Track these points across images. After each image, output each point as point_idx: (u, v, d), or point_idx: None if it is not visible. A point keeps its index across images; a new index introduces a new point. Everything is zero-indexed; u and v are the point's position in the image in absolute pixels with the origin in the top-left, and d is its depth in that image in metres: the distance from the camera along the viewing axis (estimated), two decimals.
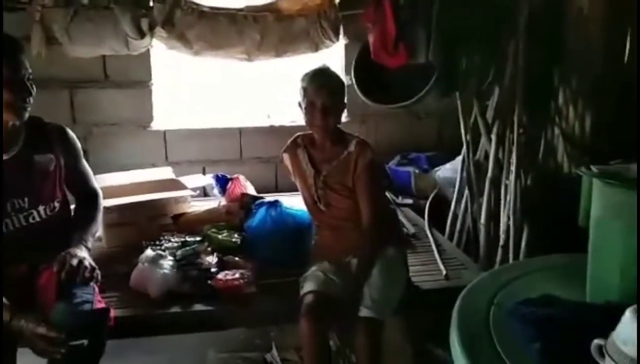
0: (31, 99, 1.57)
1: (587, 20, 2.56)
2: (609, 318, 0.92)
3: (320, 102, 1.78)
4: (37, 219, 1.67)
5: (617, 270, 1.09)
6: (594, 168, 1.10)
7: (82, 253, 1.61)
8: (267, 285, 1.95)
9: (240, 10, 2.99)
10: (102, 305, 1.59)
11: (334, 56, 3.20)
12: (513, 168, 2.54)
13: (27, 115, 1.60)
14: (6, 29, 1.62)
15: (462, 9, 3.02)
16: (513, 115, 2.62)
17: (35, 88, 1.59)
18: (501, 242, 2.44)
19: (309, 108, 1.81)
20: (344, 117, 1.94)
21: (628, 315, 0.88)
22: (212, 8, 2.95)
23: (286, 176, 2.08)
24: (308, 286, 1.76)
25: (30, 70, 1.57)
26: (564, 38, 2.67)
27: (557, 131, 2.71)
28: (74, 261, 1.54)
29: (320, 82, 1.81)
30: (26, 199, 1.64)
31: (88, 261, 1.59)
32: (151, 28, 2.83)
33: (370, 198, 1.84)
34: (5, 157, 1.61)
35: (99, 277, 1.61)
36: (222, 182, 2.68)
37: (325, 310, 1.67)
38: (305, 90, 1.82)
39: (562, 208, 2.58)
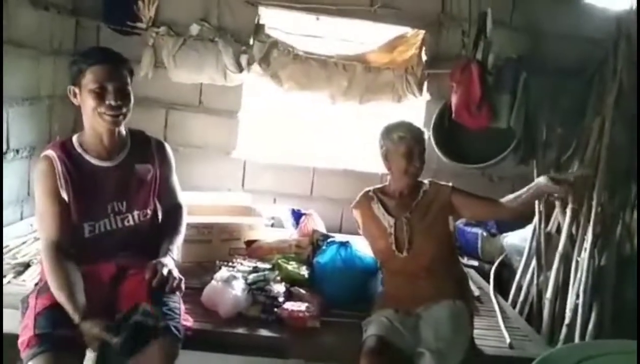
0: (124, 109, 1.70)
1: None
2: None
3: (417, 149, 1.93)
4: (131, 223, 1.80)
5: None
6: None
7: (170, 263, 1.72)
8: (330, 322, 1.99)
9: (331, 57, 3.16)
10: (184, 319, 1.70)
11: (415, 111, 3.29)
12: (587, 245, 2.49)
13: (120, 123, 1.73)
14: (122, 50, 1.80)
15: (549, 80, 3.08)
16: (592, 190, 2.59)
17: (130, 102, 1.72)
18: (567, 320, 2.36)
19: (406, 155, 1.91)
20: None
21: None
22: (305, 52, 3.14)
23: (352, 222, 2.16)
24: (372, 330, 1.79)
25: (128, 84, 1.71)
26: None
27: (635, 214, 2.64)
28: (165, 271, 1.65)
29: (415, 131, 1.97)
30: (124, 203, 1.78)
31: (176, 272, 1.70)
32: (249, 63, 3.04)
33: (478, 195, 2.00)
34: (111, 164, 1.77)
35: (183, 288, 1.71)
36: (297, 216, 2.78)
37: (386, 355, 1.70)
38: (401, 138, 1.92)
39: (633, 294, 2.50)
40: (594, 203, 2.55)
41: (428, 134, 3.14)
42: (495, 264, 2.85)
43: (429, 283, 1.84)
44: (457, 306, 1.82)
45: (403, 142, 1.92)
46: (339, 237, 2.41)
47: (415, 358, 1.73)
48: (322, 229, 2.62)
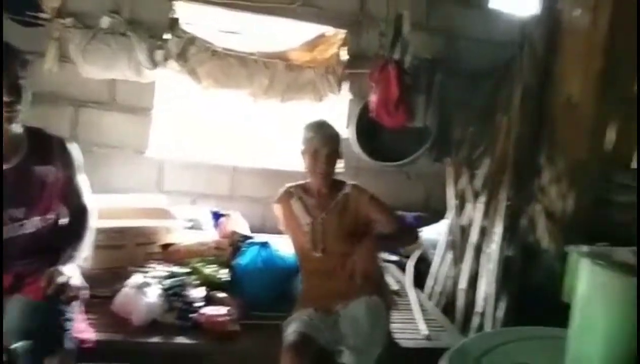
0: (17, 106, 1.56)
1: (575, 107, 2.74)
2: None
3: (325, 150, 1.90)
4: (31, 230, 1.67)
5: (599, 350, 1.15)
6: (583, 248, 1.18)
7: (71, 271, 1.61)
8: (252, 325, 1.96)
9: (252, 54, 3.11)
10: (82, 330, 1.59)
11: (337, 109, 3.32)
12: (496, 237, 2.64)
13: (12, 120, 1.58)
14: (23, 43, 1.64)
15: (462, 81, 3.23)
16: (501, 186, 2.75)
17: (23, 97, 1.57)
18: (479, 309, 2.49)
19: (314, 155, 1.91)
20: (339, 168, 2.05)
21: None
22: (225, 49, 3.06)
23: (275, 221, 2.14)
24: (293, 327, 1.78)
25: (21, 78, 1.56)
26: (553, 120, 2.84)
27: (539, 207, 2.83)
28: (61, 279, 1.54)
29: (326, 132, 1.94)
30: (22, 209, 1.64)
31: (76, 280, 1.59)
32: (164, 59, 2.92)
33: (390, 212, 2.02)
34: (6, 167, 1.62)
35: (86, 297, 1.61)
36: (216, 217, 2.71)
37: (307, 351, 1.70)
38: (311, 139, 1.92)
39: (539, 282, 2.68)
40: (502, 197, 2.70)
41: (352, 133, 3.24)
42: (412, 258, 2.94)
43: (345, 282, 1.86)
44: (374, 302, 1.85)
45: (311, 142, 1.92)
46: (260, 237, 2.38)
47: (335, 356, 1.74)
48: (244, 230, 2.58)
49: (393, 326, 1.99)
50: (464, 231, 2.84)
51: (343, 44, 3.24)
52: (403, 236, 2.07)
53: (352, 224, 1.94)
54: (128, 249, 2.36)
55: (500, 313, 2.50)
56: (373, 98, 2.99)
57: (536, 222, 2.83)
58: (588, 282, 1.17)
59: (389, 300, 2.04)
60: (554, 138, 2.83)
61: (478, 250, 2.70)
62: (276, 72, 3.08)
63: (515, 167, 2.77)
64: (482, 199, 2.79)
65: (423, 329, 2.11)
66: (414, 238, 2.11)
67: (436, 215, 3.13)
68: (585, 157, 2.76)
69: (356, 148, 3.18)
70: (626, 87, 3.10)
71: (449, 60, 3.27)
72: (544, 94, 2.89)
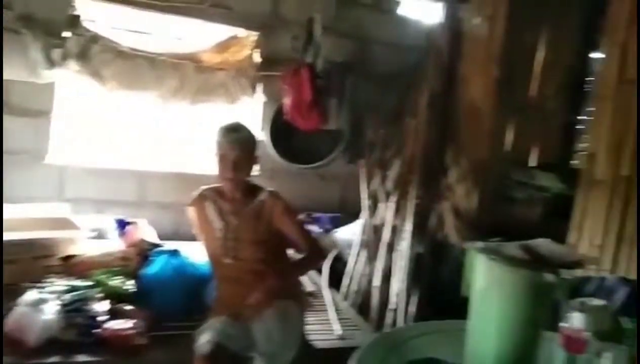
0: None
1: (476, 111, 2.91)
2: None
3: (231, 155, 1.83)
4: None
5: (494, 339, 1.22)
6: (478, 244, 1.25)
7: None
8: (161, 336, 1.88)
9: (161, 55, 2.99)
10: None
11: (252, 112, 3.28)
12: (407, 235, 2.74)
13: None
14: None
15: (374, 84, 3.33)
16: (410, 186, 2.86)
17: None
18: (392, 305, 2.57)
19: (221, 160, 1.86)
20: (255, 171, 2.00)
21: None
22: (132, 49, 2.92)
23: (190, 225, 2.07)
24: (205, 337, 1.73)
25: None
26: (457, 123, 3.00)
27: (447, 205, 2.98)
28: None
29: (233, 136, 1.86)
30: None
31: None
32: (63, 59, 2.73)
33: (301, 229, 1.97)
34: None
35: None
36: (122, 226, 2.57)
37: (220, 360, 1.66)
38: (219, 143, 1.87)
39: (448, 276, 2.82)
40: (411, 197, 2.81)
41: (266, 135, 3.22)
42: (328, 259, 2.97)
43: (257, 288, 1.83)
44: (287, 306, 1.84)
45: (219, 145, 1.86)
46: (170, 245, 2.29)
47: (249, 362, 1.72)
48: (152, 238, 2.47)
49: (307, 328, 2.00)
50: (377, 230, 2.92)
51: (256, 46, 3.21)
52: (312, 258, 2.00)
53: (265, 232, 1.89)
54: (23, 263, 2.17)
55: (413, 308, 2.59)
56: (287, 101, 3.00)
57: (444, 219, 2.98)
58: (483, 276, 1.23)
59: (303, 302, 2.04)
60: (458, 140, 2.99)
61: (390, 248, 2.79)
62: (186, 74, 2.99)
63: (424, 167, 2.90)
64: (394, 199, 2.89)
65: (337, 329, 2.14)
66: (322, 257, 2.09)
67: (351, 215, 3.19)
68: (487, 157, 2.95)
69: (271, 150, 3.17)
70: (521, 93, 3.36)
71: (360, 64, 3.35)
72: (449, 98, 3.04)
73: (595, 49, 3.24)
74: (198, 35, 3.20)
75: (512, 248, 1.21)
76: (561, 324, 1.22)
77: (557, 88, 3.48)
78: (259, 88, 3.21)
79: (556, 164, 3.31)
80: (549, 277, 1.16)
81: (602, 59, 2.36)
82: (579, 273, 2.01)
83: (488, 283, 1.22)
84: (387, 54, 3.47)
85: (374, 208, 3.00)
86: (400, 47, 3.46)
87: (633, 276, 2.11)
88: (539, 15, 3.26)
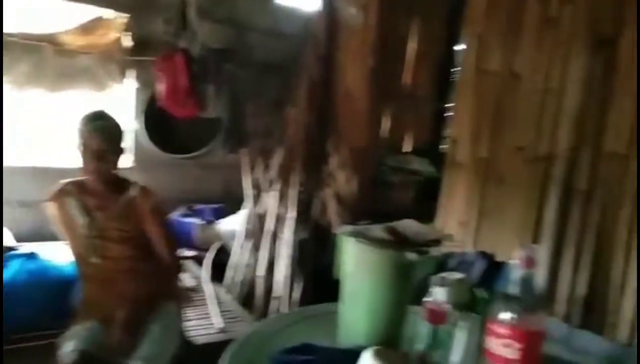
0: None
1: (353, 100, 3.00)
2: (357, 361, 1.05)
3: (94, 145, 1.69)
4: None
5: (365, 318, 1.26)
6: (346, 227, 1.27)
7: None
8: (16, 349, 1.69)
9: (12, 35, 2.67)
10: None
11: (123, 99, 3.06)
12: (290, 223, 2.76)
13: None
14: None
15: (254, 72, 3.28)
16: (293, 174, 2.87)
17: None
18: (276, 293, 2.58)
19: (83, 151, 1.70)
20: (129, 163, 1.86)
21: (365, 356, 1.02)
22: None
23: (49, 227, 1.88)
24: (70, 346, 1.58)
25: None
26: (336, 111, 3.07)
27: (329, 191, 3.05)
28: None
29: (95, 125, 1.72)
30: None
31: None
32: None
33: (166, 236, 1.83)
34: None
35: None
36: None
37: None
38: (80, 132, 1.71)
39: (330, 261, 2.89)
40: (294, 184, 2.83)
41: (140, 124, 3.03)
42: (211, 251, 2.90)
43: (128, 288, 1.72)
44: (163, 305, 1.75)
45: (80, 135, 1.71)
46: (27, 248, 2.06)
47: None
48: (5, 240, 2.21)
49: (187, 324, 1.92)
50: (261, 219, 2.90)
51: (125, 29, 2.99)
52: (169, 269, 1.87)
53: (133, 229, 1.77)
54: None
55: (297, 295, 2.62)
56: (161, 88, 2.84)
57: (327, 205, 3.04)
58: (352, 259, 1.26)
59: (180, 298, 1.96)
60: (338, 127, 3.06)
61: (275, 236, 2.79)
62: (43, 58, 2.70)
63: (305, 155, 2.93)
64: (277, 187, 2.88)
65: (218, 322, 2.09)
66: (177, 270, 1.95)
67: (235, 205, 3.14)
68: (365, 144, 3.05)
69: (146, 140, 2.99)
70: (395, 83, 3.52)
71: (239, 51, 3.28)
72: (327, 87, 3.09)
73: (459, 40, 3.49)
74: (58, 15, 2.90)
75: (378, 230, 1.25)
76: (425, 298, 1.29)
77: (428, 77, 3.71)
78: (130, 74, 3.01)
79: (428, 149, 3.53)
80: (412, 256, 1.21)
81: (463, 49, 2.54)
82: (445, 249, 2.17)
83: (356, 265, 1.25)
84: (267, 41, 3.43)
85: (257, 197, 2.97)
86: (280, 35, 3.44)
87: (492, 249, 2.32)
88: (410, 6, 3.44)
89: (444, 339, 1.24)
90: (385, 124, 3.53)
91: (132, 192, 1.80)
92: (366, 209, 3.02)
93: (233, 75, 3.05)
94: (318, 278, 2.80)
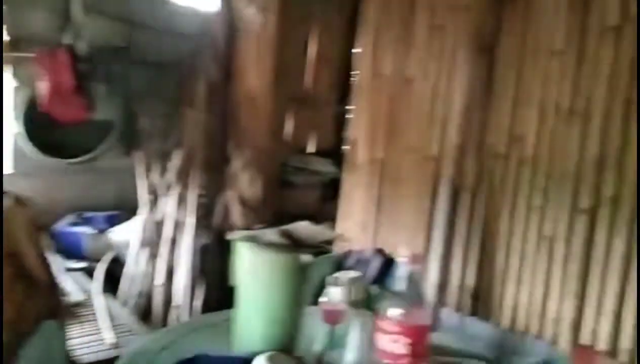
0: None
1: (254, 101, 2.97)
2: None
3: None
4: None
5: (260, 323, 1.24)
6: (239, 232, 1.25)
7: None
8: None
9: None
10: None
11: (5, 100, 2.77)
12: (190, 228, 2.66)
13: None
14: None
15: (149, 71, 3.12)
16: (192, 177, 2.78)
17: None
18: (176, 303, 2.47)
19: None
20: (7, 169, 1.68)
21: (258, 362, 1.00)
22: None
23: None
24: None
25: None
26: (237, 112, 3.02)
27: (232, 194, 2.99)
28: None
29: None
30: None
31: None
32: None
33: (39, 253, 1.65)
34: None
35: None
36: None
37: None
38: None
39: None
40: (194, 188, 2.74)
41: (20, 126, 2.76)
42: (103, 263, 2.71)
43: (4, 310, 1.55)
44: (42, 326, 1.60)
45: None
46: None
47: None
48: None
49: (73, 343, 1.78)
50: (159, 226, 2.77)
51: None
52: (48, 286, 1.69)
53: (6, 245, 1.60)
54: None
55: (199, 303, 2.54)
56: (43, 88, 2.61)
57: (230, 208, 2.98)
58: (245, 264, 1.24)
59: (62, 316, 1.80)
60: (240, 128, 3.02)
61: (173, 243, 2.68)
62: None
63: (205, 157, 2.85)
64: (175, 191, 2.77)
65: (110, 337, 1.96)
66: (54, 285, 1.81)
67: (130, 212, 2.97)
68: (267, 145, 3.04)
69: (26, 144, 2.73)
70: (296, 85, 3.55)
71: (132, 50, 3.11)
72: (227, 87, 3.04)
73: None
74: None
75: (272, 234, 1.24)
76: (320, 299, 1.30)
77: (330, 80, 3.77)
78: (7, 71, 2.74)
79: (331, 150, 3.59)
80: (306, 258, 1.22)
81: (360, 54, 2.61)
82: (343, 248, 2.22)
83: (250, 270, 1.23)
84: (162, 40, 3.29)
85: (154, 202, 2.83)
86: (176, 34, 3.31)
87: (390, 247, 2.40)
88: (310, 9, 3.48)
89: (341, 338, 1.26)
90: (289, 125, 3.54)
91: (5, 202, 1.63)
92: (271, 211, 3.01)
93: (125, 75, 2.88)
94: (222, 285, 2.73)
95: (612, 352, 1.81)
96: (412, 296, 1.04)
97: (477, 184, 2.18)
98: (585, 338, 1.87)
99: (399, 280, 1.06)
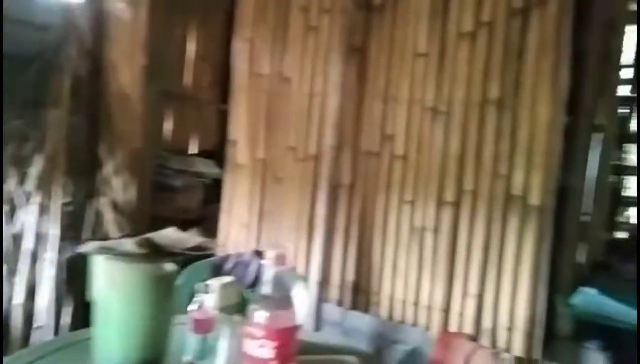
0: None
1: (127, 98, 2.79)
2: None
3: None
4: None
5: (119, 338, 1.15)
6: (92, 244, 1.15)
7: None
8: None
9: None
10: None
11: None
12: (54, 240, 2.43)
13: None
14: None
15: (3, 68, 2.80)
16: (56, 184, 2.54)
17: None
18: (39, 322, 2.24)
19: None
20: None
21: None
22: None
23: None
24: None
25: None
26: (108, 111, 2.81)
27: (105, 199, 2.78)
28: None
29: None
30: None
31: None
32: None
33: None
34: None
35: None
36: None
37: None
38: None
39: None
40: (58, 196, 2.50)
41: None
42: None
43: None
44: None
45: None
46: None
47: None
48: None
49: None
50: (17, 239, 2.49)
51: None
52: None
53: None
54: None
55: (66, 321, 2.32)
56: None
57: (103, 216, 2.77)
58: (102, 277, 1.14)
59: None
60: (111, 129, 2.81)
61: (35, 257, 2.42)
62: None
63: (72, 162, 2.61)
64: (36, 201, 2.51)
65: None
66: None
67: None
68: (141, 146, 2.87)
69: None
70: (174, 82, 3.40)
71: None
72: (96, 85, 2.82)
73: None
74: None
75: (129, 243, 1.15)
76: (190, 307, 1.24)
77: (211, 79, 3.67)
78: None
79: (214, 151, 3.50)
80: (168, 267, 1.15)
81: (237, 53, 2.56)
82: (222, 252, 2.16)
83: (106, 283, 1.13)
84: (20, 32, 2.96)
85: (11, 214, 2.54)
86: (36, 25, 3.00)
87: (270, 248, 2.39)
88: (187, 5, 3.36)
89: (213, 347, 1.21)
90: (167, 125, 3.39)
91: None
92: (147, 217, 2.85)
93: None
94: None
95: (476, 333, 1.96)
96: (279, 299, 1.03)
97: (354, 181, 2.24)
98: (453, 322, 2.01)
99: (265, 282, 1.04)
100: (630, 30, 2.68)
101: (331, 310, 2.28)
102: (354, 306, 2.24)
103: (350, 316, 2.27)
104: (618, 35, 2.70)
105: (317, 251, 2.26)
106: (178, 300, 1.26)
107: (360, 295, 2.23)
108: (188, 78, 3.61)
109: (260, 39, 2.46)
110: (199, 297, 1.27)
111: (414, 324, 2.10)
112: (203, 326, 1.23)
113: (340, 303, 2.27)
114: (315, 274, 2.24)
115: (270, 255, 1.04)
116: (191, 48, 3.56)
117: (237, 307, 1.36)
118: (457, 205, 2.01)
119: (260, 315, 1.01)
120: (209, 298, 1.30)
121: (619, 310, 2.38)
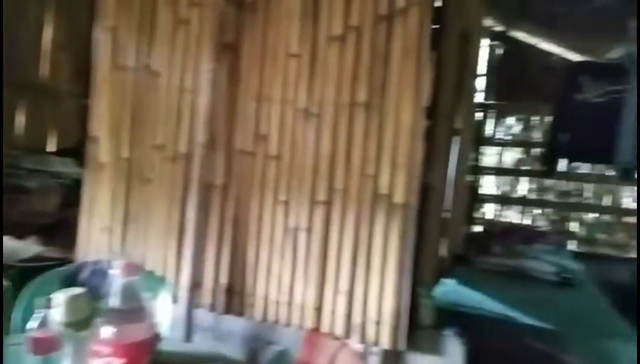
0: None
1: None
2: None
3: None
4: None
5: None
6: None
7: None
8: None
9: None
10: None
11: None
12: None
13: None
14: None
15: None
16: None
17: None
18: None
19: None
20: None
21: None
22: None
23: None
24: None
25: None
26: None
27: None
28: None
29: None
30: None
31: None
32: None
33: None
34: None
35: None
36: None
37: None
38: None
39: None
40: None
41: None
42: None
43: None
44: None
45: None
46: None
47: None
48: None
49: None
50: None
51: None
52: None
53: None
54: None
55: None
56: None
57: None
58: None
59: None
60: None
61: None
62: None
63: None
64: None
65: None
66: None
67: None
68: None
69: None
70: (27, 72, 3.06)
71: None
72: None
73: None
74: None
75: None
76: (28, 326, 1.10)
77: (70, 70, 3.36)
78: None
79: (74, 149, 3.20)
80: None
81: (98, 43, 2.35)
82: (77, 260, 1.97)
83: None
84: None
85: None
86: None
87: (139, 254, 2.24)
88: None
89: None
90: (19, 120, 3.04)
91: None
92: None
93: None
94: None
95: (347, 329, 2.01)
96: (128, 311, 0.94)
97: (227, 182, 2.18)
98: (325, 320, 2.04)
99: (113, 294, 0.94)
100: (485, 44, 2.94)
101: (204, 316, 2.19)
102: (228, 310, 2.17)
103: (225, 320, 2.20)
104: (473, 46, 2.96)
105: (188, 256, 2.16)
106: (13, 318, 1.11)
107: (234, 298, 2.17)
108: (45, 68, 3.27)
109: (124, 28, 2.29)
110: (39, 313, 1.13)
111: (288, 324, 2.09)
112: (43, 346, 1.10)
113: (213, 308, 2.19)
114: (185, 279, 2.14)
115: (118, 263, 0.95)
116: (48, 34, 3.24)
117: (88, 322, 1.24)
118: (328, 204, 2.04)
119: (106, 330, 0.92)
120: (54, 313, 1.16)
121: (475, 299, 2.61)
